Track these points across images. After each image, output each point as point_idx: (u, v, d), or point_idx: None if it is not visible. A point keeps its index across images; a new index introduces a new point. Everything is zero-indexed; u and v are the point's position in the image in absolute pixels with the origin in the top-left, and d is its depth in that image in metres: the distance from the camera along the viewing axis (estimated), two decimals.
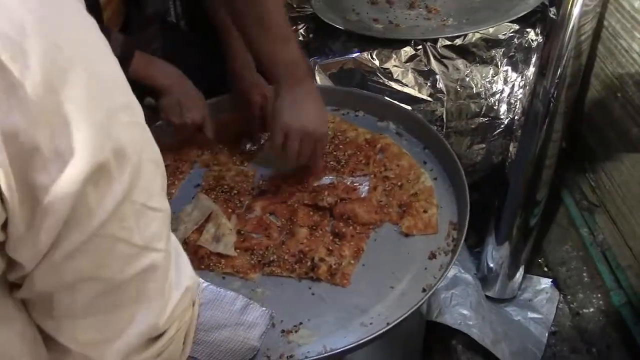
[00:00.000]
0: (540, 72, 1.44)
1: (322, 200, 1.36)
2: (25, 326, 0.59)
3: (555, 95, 1.41)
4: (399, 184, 1.42)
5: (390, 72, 1.69)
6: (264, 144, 1.59)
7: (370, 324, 1.16)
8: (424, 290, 1.21)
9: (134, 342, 0.60)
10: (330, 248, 1.29)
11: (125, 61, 1.29)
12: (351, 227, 1.33)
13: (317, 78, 1.73)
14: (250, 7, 1.27)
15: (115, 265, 0.56)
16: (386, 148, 1.51)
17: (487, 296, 1.73)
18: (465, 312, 1.61)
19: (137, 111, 0.58)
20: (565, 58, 1.37)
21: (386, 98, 1.65)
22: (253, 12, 1.27)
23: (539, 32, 1.69)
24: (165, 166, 1.44)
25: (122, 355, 0.60)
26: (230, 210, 1.39)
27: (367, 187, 1.41)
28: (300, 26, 1.89)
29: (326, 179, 1.45)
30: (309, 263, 1.26)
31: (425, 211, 1.34)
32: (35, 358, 0.61)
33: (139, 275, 0.58)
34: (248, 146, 1.58)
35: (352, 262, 1.27)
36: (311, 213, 1.37)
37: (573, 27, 1.34)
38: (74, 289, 0.56)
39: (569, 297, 1.72)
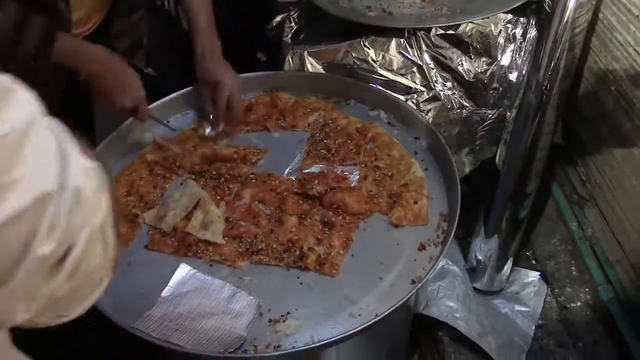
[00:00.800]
0: (534, 64, 1.42)
1: (312, 189, 1.35)
2: None
3: (548, 88, 1.39)
4: (390, 174, 1.41)
5: (383, 61, 1.67)
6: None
7: (359, 315, 1.16)
8: (413, 282, 1.20)
9: (26, 278, 0.52)
10: (320, 237, 1.27)
11: (48, 43, 1.21)
12: (340, 217, 1.31)
13: (308, 65, 1.71)
14: None
15: None
16: (377, 137, 1.49)
17: (474, 288, 1.72)
18: (452, 304, 1.60)
19: None
20: (559, 50, 1.35)
21: (378, 87, 1.64)
22: None
23: (534, 23, 1.67)
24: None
25: (22, 297, 0.53)
26: (218, 197, 1.37)
27: (357, 177, 1.40)
28: (292, 12, 1.86)
29: (316, 168, 1.44)
30: (297, 252, 1.25)
31: (415, 202, 1.33)
32: None
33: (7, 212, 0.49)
34: (207, 131, 1.59)
35: (341, 252, 1.26)
36: (300, 202, 1.36)
37: (568, 19, 1.32)
38: None
39: (556, 290, 1.72)
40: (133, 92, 1.41)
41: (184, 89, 1.65)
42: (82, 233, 0.55)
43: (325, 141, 1.51)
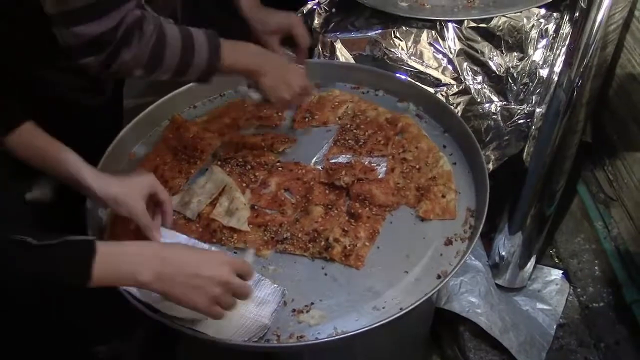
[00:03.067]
0: (566, 61, 1.40)
1: (339, 180, 1.34)
2: None
3: (579, 86, 1.38)
4: (417, 166, 1.39)
5: (413, 52, 1.65)
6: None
7: (383, 307, 1.15)
8: (438, 276, 1.19)
9: None
10: (346, 229, 1.26)
11: (216, 53, 1.23)
12: (367, 209, 1.31)
13: (338, 54, 1.70)
14: None
15: None
16: (406, 128, 1.48)
17: (496, 284, 1.71)
18: (474, 300, 1.59)
19: None
20: (592, 48, 1.33)
21: (407, 78, 1.62)
22: None
23: (567, 19, 1.65)
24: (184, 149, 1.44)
25: None
26: (244, 185, 1.37)
27: (384, 168, 1.39)
28: (322, 0, 1.84)
29: (343, 158, 1.43)
30: (323, 242, 1.24)
31: (443, 196, 1.32)
32: None
33: None
34: (256, 97, 1.47)
35: (367, 244, 1.25)
36: (327, 191, 1.35)
37: (603, 16, 1.30)
38: None
39: (579, 289, 1.71)
40: (301, 72, 1.43)
41: None
42: None
43: (354, 131, 1.49)
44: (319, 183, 1.36)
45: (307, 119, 1.56)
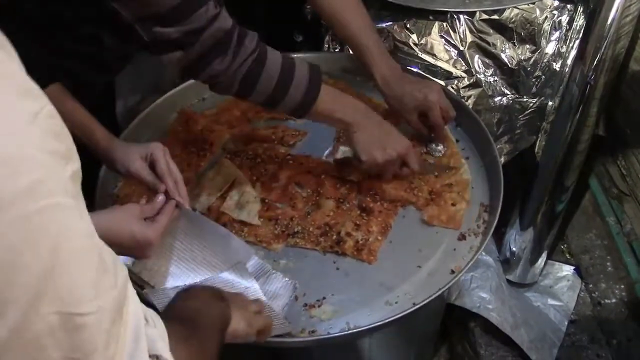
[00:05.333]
0: (579, 54, 1.39)
1: (349, 174, 1.32)
2: None
3: (592, 80, 1.36)
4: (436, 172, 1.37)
5: (424, 45, 1.63)
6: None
7: (396, 302, 1.14)
8: (452, 272, 1.18)
9: None
10: (358, 223, 1.25)
11: (314, 91, 1.19)
12: (379, 203, 1.29)
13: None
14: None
15: None
16: None
17: (507, 280, 1.70)
18: (485, 295, 1.58)
19: (47, 188, 0.45)
20: (606, 41, 1.32)
21: (418, 71, 1.60)
22: None
23: (581, 11, 1.63)
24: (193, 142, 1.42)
25: None
26: (254, 178, 1.35)
27: None
28: None
29: (350, 152, 1.41)
30: (334, 237, 1.22)
31: (453, 204, 1.29)
32: None
33: None
34: (440, 149, 1.42)
35: (379, 238, 1.23)
36: (338, 185, 1.33)
37: (617, 7, 1.28)
38: None
39: (590, 286, 1.69)
40: (402, 138, 1.29)
41: None
42: None
43: None
44: (330, 177, 1.34)
45: None
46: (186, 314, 0.79)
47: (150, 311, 0.61)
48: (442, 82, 1.60)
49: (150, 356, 0.56)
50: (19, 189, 0.42)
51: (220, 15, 1.08)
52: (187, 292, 0.92)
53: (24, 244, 0.42)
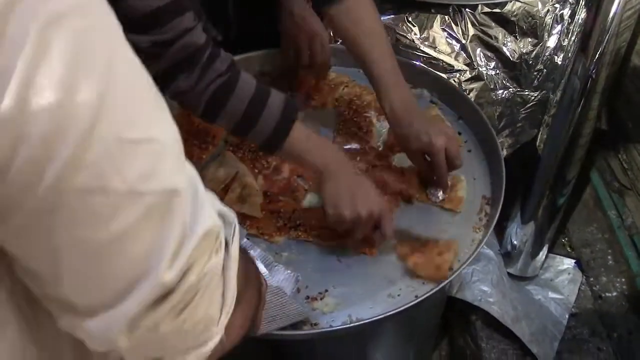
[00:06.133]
0: (581, 48, 1.38)
1: (353, 167, 1.32)
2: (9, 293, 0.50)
3: (594, 73, 1.36)
4: None
5: (426, 38, 1.63)
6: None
7: (398, 295, 1.14)
8: (453, 264, 1.17)
9: (136, 307, 0.48)
10: None
11: (286, 125, 1.12)
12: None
13: None
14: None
15: (94, 223, 0.45)
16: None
17: (508, 273, 1.70)
18: (486, 288, 1.58)
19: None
20: (608, 34, 1.31)
21: (421, 64, 1.60)
22: None
23: (583, 4, 1.63)
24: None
25: (124, 322, 0.49)
26: (256, 171, 1.35)
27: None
28: None
29: (352, 146, 1.41)
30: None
31: (440, 254, 1.18)
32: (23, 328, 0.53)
33: (130, 227, 0.46)
34: (440, 197, 1.33)
35: None
36: None
37: (620, 0, 1.28)
38: (52, 256, 0.46)
39: (591, 279, 1.69)
40: (379, 199, 1.17)
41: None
42: (193, 269, 0.51)
43: (355, 119, 1.47)
44: None
45: (306, 102, 1.54)
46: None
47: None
48: (444, 76, 1.60)
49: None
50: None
51: (194, 29, 1.04)
52: None
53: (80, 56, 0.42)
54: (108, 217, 0.45)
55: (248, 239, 1.23)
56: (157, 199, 0.47)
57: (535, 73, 1.66)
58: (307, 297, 1.14)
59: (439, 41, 1.64)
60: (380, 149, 1.41)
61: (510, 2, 1.60)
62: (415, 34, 1.64)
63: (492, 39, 1.63)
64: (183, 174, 0.51)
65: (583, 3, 1.63)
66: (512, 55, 1.63)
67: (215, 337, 0.58)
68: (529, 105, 1.67)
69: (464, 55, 1.64)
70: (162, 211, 0.48)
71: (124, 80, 0.45)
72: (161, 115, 0.49)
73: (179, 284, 0.50)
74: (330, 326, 1.09)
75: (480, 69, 1.63)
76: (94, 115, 0.42)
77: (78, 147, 0.41)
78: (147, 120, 0.47)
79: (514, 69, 1.65)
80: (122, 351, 0.51)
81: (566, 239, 1.82)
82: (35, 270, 0.47)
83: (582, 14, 1.62)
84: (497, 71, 1.64)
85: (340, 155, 1.20)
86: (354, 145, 1.41)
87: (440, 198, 1.31)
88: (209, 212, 0.53)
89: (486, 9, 1.61)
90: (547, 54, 1.65)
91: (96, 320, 0.49)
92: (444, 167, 1.25)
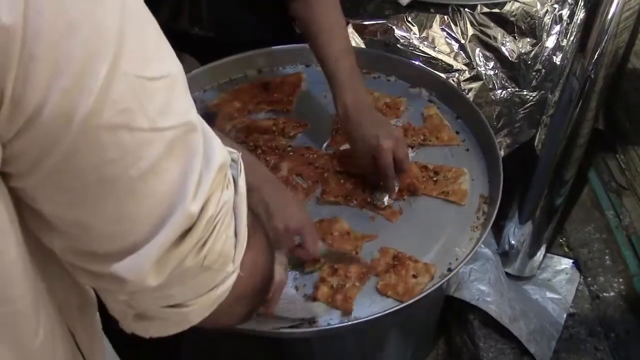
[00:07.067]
0: (579, 48, 1.39)
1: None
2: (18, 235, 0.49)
3: (592, 73, 1.36)
4: (435, 179, 1.35)
5: (425, 38, 1.64)
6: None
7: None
8: (450, 264, 1.18)
9: (165, 242, 0.50)
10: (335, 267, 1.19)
11: None
12: None
13: (349, 38, 1.67)
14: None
15: (122, 160, 0.46)
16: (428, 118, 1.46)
17: (506, 273, 1.70)
18: (483, 288, 1.58)
19: None
20: (607, 35, 1.32)
21: (420, 64, 1.61)
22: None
23: (582, 5, 1.63)
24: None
25: (154, 260, 0.50)
26: None
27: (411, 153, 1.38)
28: None
29: (347, 145, 1.41)
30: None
31: (415, 276, 1.16)
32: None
33: (156, 163, 0.47)
34: (386, 201, 1.30)
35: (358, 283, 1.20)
36: (342, 181, 1.32)
37: (619, 1, 1.28)
38: (83, 200, 0.47)
39: (589, 279, 1.69)
40: (295, 214, 1.11)
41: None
42: (211, 203, 0.53)
43: None
44: (333, 174, 1.34)
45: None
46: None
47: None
48: (443, 75, 1.60)
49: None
50: None
51: None
52: None
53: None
54: (134, 154, 0.46)
55: None
56: (177, 133, 0.48)
57: (533, 73, 1.66)
58: (305, 296, 1.14)
59: (438, 41, 1.64)
60: None
61: (509, 2, 1.61)
62: (414, 33, 1.64)
63: (491, 39, 1.63)
64: (194, 108, 0.52)
65: (582, 4, 1.63)
66: (511, 56, 1.63)
67: (233, 275, 0.59)
68: (527, 105, 1.67)
69: (463, 55, 1.64)
70: (182, 145, 0.49)
71: (137, 15, 0.46)
72: (168, 49, 0.50)
73: (200, 217, 0.51)
74: (328, 324, 1.09)
75: (479, 68, 1.64)
76: (118, 47, 0.43)
77: (106, 80, 0.42)
78: (159, 57, 0.48)
79: (512, 69, 1.65)
80: (150, 291, 0.52)
81: (564, 238, 1.82)
82: (66, 220, 0.48)
83: (580, 15, 1.62)
84: (496, 71, 1.65)
85: (272, 177, 1.17)
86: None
87: (386, 203, 1.29)
88: (219, 146, 0.54)
89: (485, 9, 1.61)
90: (545, 54, 1.65)
91: (125, 261, 0.50)
92: (390, 170, 1.23)
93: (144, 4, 0.47)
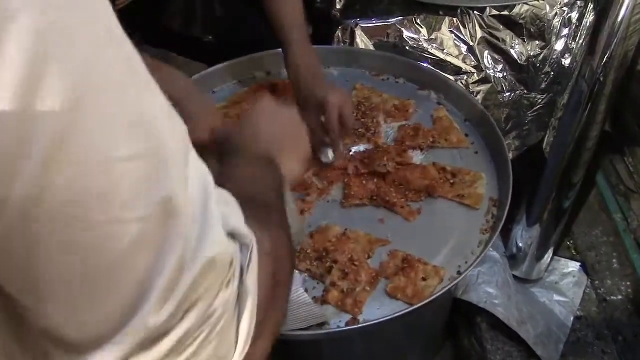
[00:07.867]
0: (589, 51, 1.38)
1: (384, 166, 1.32)
2: None
3: (602, 76, 1.36)
4: (452, 181, 1.35)
5: (434, 40, 1.64)
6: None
7: None
8: (459, 267, 1.18)
9: (121, 350, 0.41)
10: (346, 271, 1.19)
11: None
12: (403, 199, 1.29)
13: (359, 41, 1.68)
14: None
15: (73, 254, 0.37)
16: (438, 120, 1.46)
17: (513, 276, 1.70)
18: (491, 290, 1.58)
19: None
20: (617, 38, 1.31)
21: (428, 66, 1.61)
22: None
23: (591, 8, 1.63)
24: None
25: None
26: None
27: (420, 156, 1.38)
28: None
29: (360, 147, 1.41)
30: (328, 264, 1.21)
31: (424, 279, 1.17)
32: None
33: (117, 259, 0.38)
34: (330, 156, 1.36)
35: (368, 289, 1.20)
36: (364, 182, 1.33)
37: (628, 4, 1.28)
38: (34, 284, 0.38)
39: (596, 282, 1.69)
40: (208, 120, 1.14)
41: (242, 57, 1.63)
42: (192, 312, 0.43)
43: (363, 121, 1.47)
44: (355, 177, 1.34)
45: None
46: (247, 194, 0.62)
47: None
48: (452, 77, 1.61)
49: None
50: None
51: None
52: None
53: None
54: (88, 248, 0.37)
55: None
56: (146, 227, 0.39)
57: (542, 76, 1.66)
58: (314, 298, 1.14)
59: (447, 43, 1.64)
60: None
61: (519, 5, 1.61)
62: (423, 35, 1.64)
63: (500, 41, 1.63)
64: (184, 188, 0.42)
65: (591, 6, 1.63)
66: (520, 58, 1.63)
67: None
68: (536, 108, 1.67)
69: (472, 57, 1.64)
70: (151, 240, 0.40)
71: (106, 84, 0.37)
72: (164, 122, 0.41)
73: (172, 328, 0.43)
74: (338, 327, 1.09)
75: (488, 71, 1.64)
76: (62, 129, 0.34)
77: (45, 166, 0.34)
78: (137, 130, 0.39)
79: (521, 71, 1.65)
80: None
81: (571, 242, 1.82)
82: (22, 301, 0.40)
83: (590, 18, 1.62)
84: (505, 74, 1.65)
85: (184, 88, 1.16)
86: (363, 146, 1.41)
87: (331, 158, 1.35)
88: (218, 234, 0.46)
89: (494, 12, 1.61)
90: (554, 57, 1.65)
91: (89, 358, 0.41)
92: (336, 124, 1.29)
93: (133, 66, 0.40)
